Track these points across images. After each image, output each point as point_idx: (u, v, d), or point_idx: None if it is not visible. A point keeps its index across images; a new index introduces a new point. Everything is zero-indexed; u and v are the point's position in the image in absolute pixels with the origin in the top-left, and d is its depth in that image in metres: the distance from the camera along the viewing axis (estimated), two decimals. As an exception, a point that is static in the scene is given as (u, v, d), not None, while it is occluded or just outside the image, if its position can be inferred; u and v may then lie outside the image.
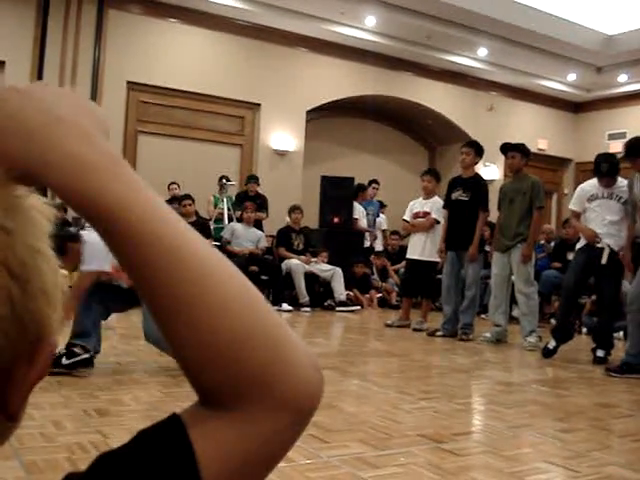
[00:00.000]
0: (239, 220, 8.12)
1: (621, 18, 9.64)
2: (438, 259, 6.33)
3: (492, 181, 10.01)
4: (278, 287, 7.52)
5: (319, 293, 8.00)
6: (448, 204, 6.13)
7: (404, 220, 6.90)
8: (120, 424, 2.49)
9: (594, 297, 6.09)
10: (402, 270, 8.23)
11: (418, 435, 2.59)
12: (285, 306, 7.30)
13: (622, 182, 5.00)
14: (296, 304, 7.57)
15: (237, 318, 0.39)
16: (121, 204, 0.38)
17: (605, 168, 4.96)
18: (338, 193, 8.82)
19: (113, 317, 4.06)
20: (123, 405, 2.78)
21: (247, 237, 7.87)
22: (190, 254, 0.39)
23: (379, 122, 11.58)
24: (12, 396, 0.41)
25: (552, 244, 8.73)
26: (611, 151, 7.66)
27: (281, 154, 9.77)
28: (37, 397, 2.68)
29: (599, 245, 4.91)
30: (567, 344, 5.10)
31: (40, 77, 7.97)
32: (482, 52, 10.44)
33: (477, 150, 6.14)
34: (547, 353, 4.96)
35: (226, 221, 8.27)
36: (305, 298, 7.66)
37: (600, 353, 4.88)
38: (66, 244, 3.22)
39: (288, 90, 9.72)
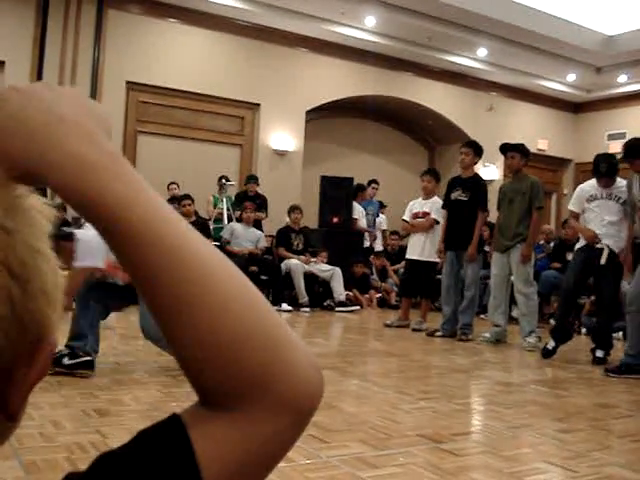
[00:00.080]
0: (238, 220, 8.12)
1: (621, 18, 9.64)
2: (437, 259, 6.34)
3: (492, 181, 10.01)
4: (277, 287, 7.52)
5: (318, 293, 8.00)
6: (447, 204, 6.13)
7: (403, 220, 6.90)
8: (119, 424, 2.49)
9: (593, 297, 6.09)
10: (401, 270, 8.23)
11: (417, 435, 2.59)
12: (284, 306, 7.30)
13: (621, 182, 5.00)
14: (295, 304, 7.57)
15: (238, 318, 0.39)
16: (122, 204, 0.38)
17: (604, 168, 4.96)
18: (337, 193, 8.82)
19: (112, 317, 4.07)
20: (122, 405, 2.78)
21: (246, 237, 7.87)
22: (191, 254, 0.39)
23: (379, 122, 11.58)
24: (12, 396, 0.41)
25: (551, 244, 8.73)
26: (611, 151, 7.66)
27: (281, 154, 9.77)
28: (36, 397, 2.68)
29: (598, 246, 4.91)
30: (566, 344, 5.10)
31: (40, 77, 7.96)
32: (482, 52, 10.45)
33: (476, 150, 6.14)
34: (546, 353, 4.96)
35: (225, 221, 8.27)
36: (304, 298, 7.66)
37: (599, 353, 4.88)
38: (58, 243, 3.21)
39: (288, 90, 9.72)
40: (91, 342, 3.37)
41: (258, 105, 9.61)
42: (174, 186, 8.51)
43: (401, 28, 9.59)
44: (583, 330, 6.90)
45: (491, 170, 11.15)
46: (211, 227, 8.06)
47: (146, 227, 0.38)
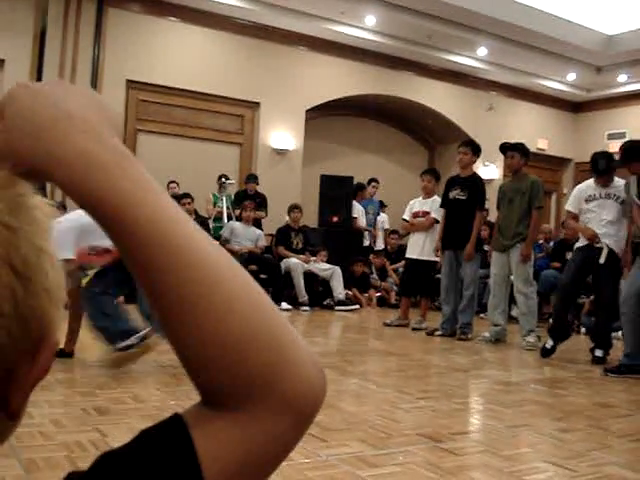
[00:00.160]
0: (238, 219, 8.12)
1: (621, 18, 9.64)
2: (437, 258, 6.34)
3: (491, 181, 10.02)
4: (277, 286, 7.51)
5: (318, 292, 8.00)
6: (445, 203, 6.13)
7: (403, 219, 6.91)
8: (119, 423, 2.49)
9: (592, 297, 6.09)
10: (401, 269, 8.23)
11: (417, 434, 2.59)
12: (284, 305, 7.31)
13: (619, 182, 5.00)
14: (295, 303, 7.57)
15: (243, 318, 0.39)
16: (129, 203, 0.38)
17: (602, 165, 4.96)
18: (337, 192, 8.82)
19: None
20: (122, 404, 2.78)
21: (246, 236, 7.86)
22: (198, 255, 0.39)
23: (379, 121, 11.57)
24: (14, 395, 0.40)
25: (551, 244, 8.74)
26: (610, 151, 7.66)
27: (280, 153, 9.77)
28: (36, 395, 2.67)
29: (598, 245, 4.91)
30: (565, 344, 5.11)
31: (39, 75, 7.95)
32: (482, 52, 10.44)
33: (474, 149, 6.14)
34: (545, 353, 4.96)
35: (225, 220, 8.26)
36: (304, 297, 7.66)
37: (599, 353, 4.89)
38: None
39: (288, 89, 9.71)
40: (132, 327, 3.36)
41: (258, 104, 9.60)
42: (174, 185, 8.50)
43: (401, 27, 9.58)
44: (582, 330, 6.90)
45: (491, 169, 11.14)
46: (211, 226, 8.05)
47: (153, 227, 0.38)
